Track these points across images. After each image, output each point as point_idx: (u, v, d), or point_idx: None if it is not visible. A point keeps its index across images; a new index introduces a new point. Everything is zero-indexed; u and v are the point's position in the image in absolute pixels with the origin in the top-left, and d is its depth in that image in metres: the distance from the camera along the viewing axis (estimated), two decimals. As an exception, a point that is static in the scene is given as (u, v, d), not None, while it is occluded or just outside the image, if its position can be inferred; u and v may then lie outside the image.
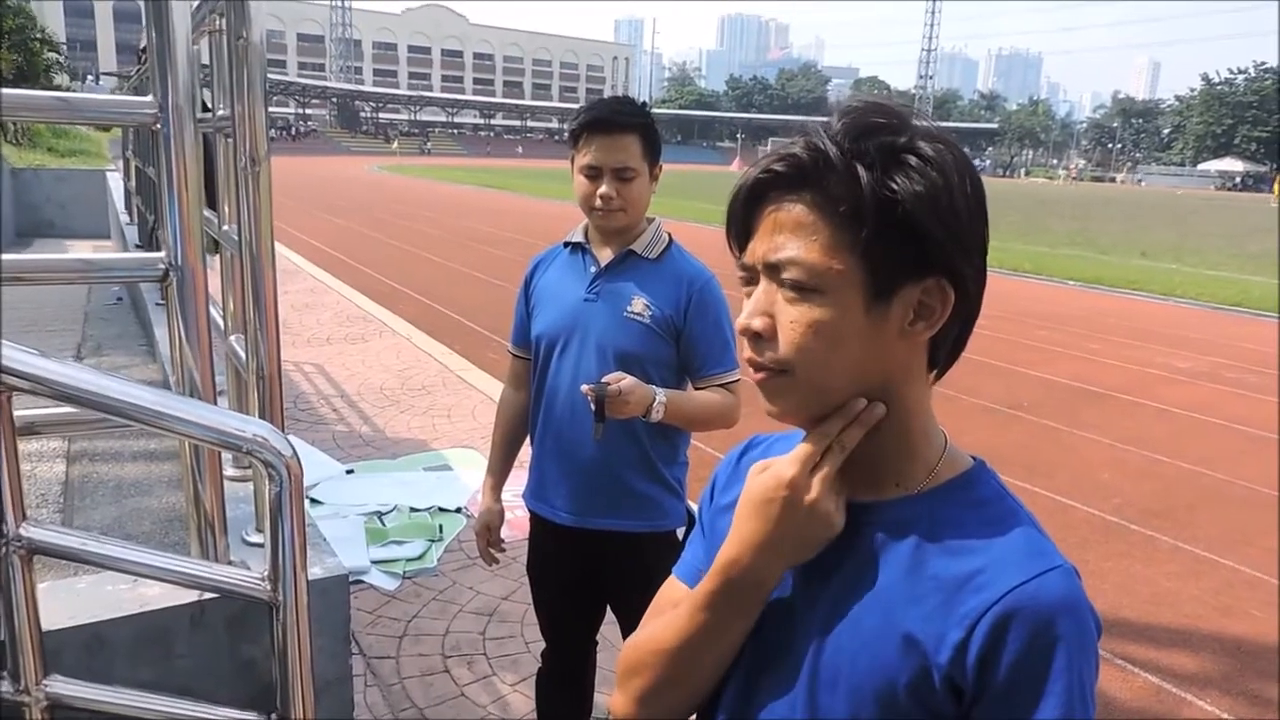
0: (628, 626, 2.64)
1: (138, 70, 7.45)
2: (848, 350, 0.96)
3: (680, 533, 2.51)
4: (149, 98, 1.73)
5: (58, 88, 30.08)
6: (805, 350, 0.96)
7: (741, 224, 1.01)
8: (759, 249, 0.98)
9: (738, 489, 1.10)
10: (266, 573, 1.52)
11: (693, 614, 1.06)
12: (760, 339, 0.98)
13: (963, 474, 1.03)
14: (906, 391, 1.01)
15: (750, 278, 1.01)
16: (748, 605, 1.04)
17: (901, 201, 0.92)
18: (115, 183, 12.00)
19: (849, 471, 1.03)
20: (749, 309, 0.99)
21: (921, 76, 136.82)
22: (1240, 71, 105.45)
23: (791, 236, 0.95)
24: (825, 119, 0.98)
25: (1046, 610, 0.89)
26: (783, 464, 1.01)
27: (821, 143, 0.95)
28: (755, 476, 1.03)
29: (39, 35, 29.02)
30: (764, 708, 1.06)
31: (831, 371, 0.97)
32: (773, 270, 0.97)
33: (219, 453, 1.92)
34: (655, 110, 2.48)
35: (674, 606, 1.12)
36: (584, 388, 2.23)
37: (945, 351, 1.02)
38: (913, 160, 0.93)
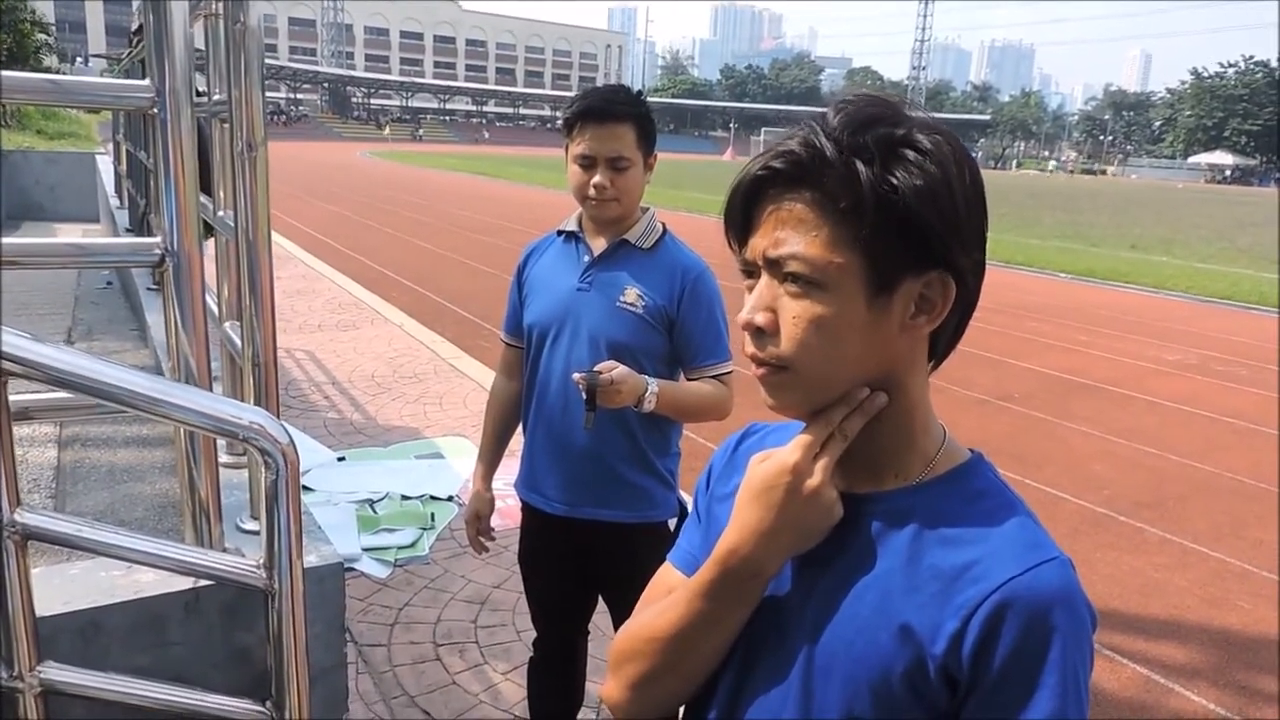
0: (618, 616, 2.64)
1: (129, 53, 7.40)
2: (849, 344, 0.96)
3: (672, 524, 2.51)
4: (145, 82, 1.72)
5: (48, 69, 29.86)
6: (807, 345, 0.96)
7: (741, 221, 1.01)
8: (760, 245, 0.98)
9: (736, 478, 1.10)
10: (261, 560, 1.52)
11: (690, 601, 1.06)
12: (762, 334, 0.98)
13: (960, 466, 1.03)
14: (907, 384, 1.01)
15: (751, 272, 1.01)
16: (747, 594, 1.04)
17: (901, 196, 0.91)
18: (105, 166, 11.93)
19: (847, 462, 1.03)
20: (751, 304, 0.99)
21: (914, 67, 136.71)
22: (1230, 65, 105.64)
23: (792, 233, 0.95)
24: (821, 111, 0.98)
25: (1042, 602, 0.90)
26: (785, 451, 1.00)
27: (819, 139, 0.94)
28: (757, 465, 1.03)
29: (29, 17, 28.80)
30: (758, 697, 1.06)
31: (833, 366, 0.97)
32: (774, 266, 0.97)
33: (214, 439, 1.91)
34: (648, 99, 2.47)
35: (669, 594, 1.12)
36: (575, 376, 2.22)
37: (944, 343, 1.02)
38: (911, 154, 0.93)
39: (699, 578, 1.06)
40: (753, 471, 1.03)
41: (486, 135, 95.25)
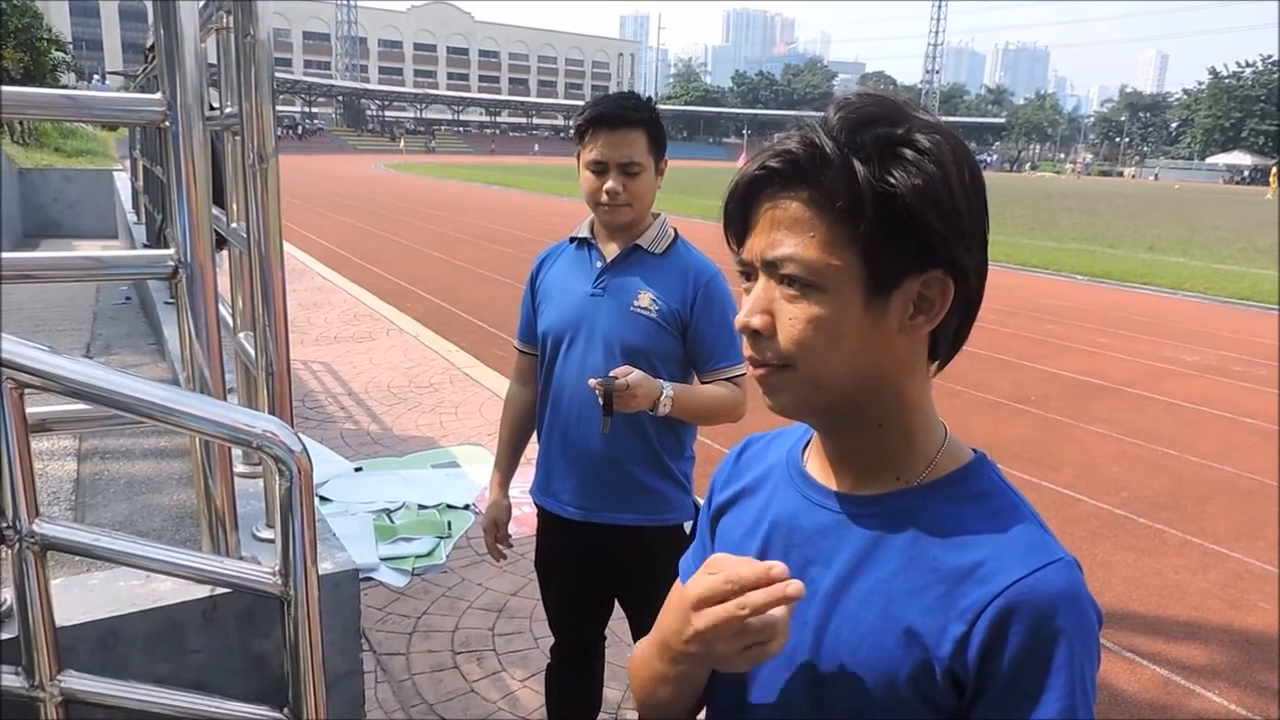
0: (635, 620, 2.65)
1: (144, 69, 7.47)
2: (848, 345, 0.95)
3: (687, 526, 2.51)
4: (157, 95, 1.74)
5: (64, 87, 30.04)
6: (805, 346, 0.95)
7: (738, 221, 1.00)
8: (757, 246, 0.97)
9: (737, 484, 1.14)
10: (277, 567, 1.53)
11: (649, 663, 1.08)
12: (760, 336, 0.98)
13: (963, 466, 1.02)
14: (906, 385, 1.00)
15: (749, 274, 1.01)
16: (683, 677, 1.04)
17: (900, 195, 0.90)
18: (122, 182, 12.02)
19: (849, 464, 1.03)
20: (748, 306, 0.99)
21: (928, 71, 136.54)
22: (1248, 65, 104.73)
23: (789, 233, 0.94)
24: (821, 114, 0.97)
25: (1048, 604, 0.90)
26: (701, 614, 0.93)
27: (817, 138, 0.93)
28: (702, 578, 0.94)
29: (45, 34, 28.99)
30: (763, 699, 1.07)
31: (832, 367, 0.96)
32: (771, 267, 0.96)
33: (229, 449, 1.93)
34: (661, 106, 2.48)
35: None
36: (592, 382, 2.23)
37: (946, 344, 1.01)
38: (910, 153, 0.92)
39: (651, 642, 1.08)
40: (696, 581, 0.94)
41: (494, 148, 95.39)
